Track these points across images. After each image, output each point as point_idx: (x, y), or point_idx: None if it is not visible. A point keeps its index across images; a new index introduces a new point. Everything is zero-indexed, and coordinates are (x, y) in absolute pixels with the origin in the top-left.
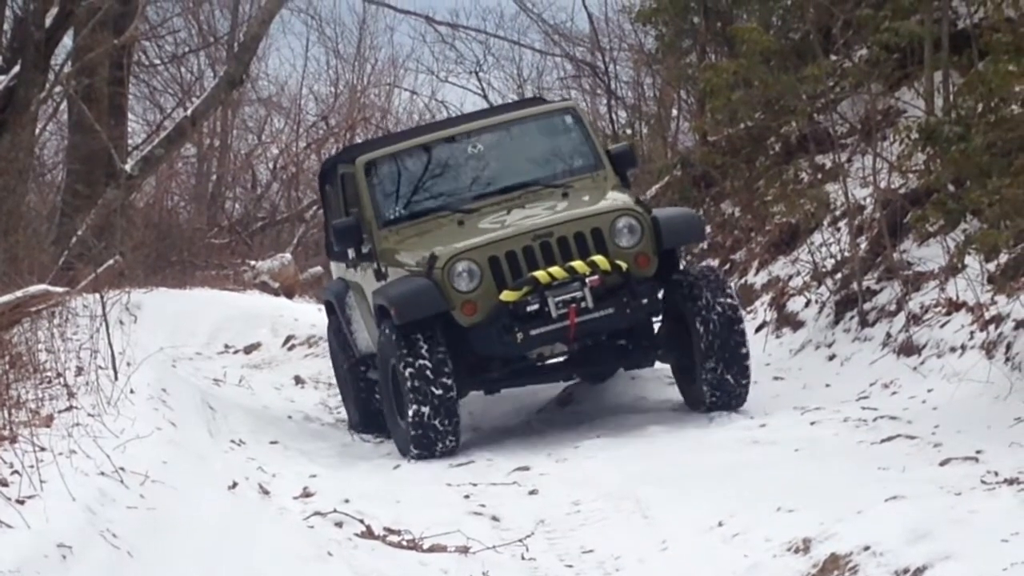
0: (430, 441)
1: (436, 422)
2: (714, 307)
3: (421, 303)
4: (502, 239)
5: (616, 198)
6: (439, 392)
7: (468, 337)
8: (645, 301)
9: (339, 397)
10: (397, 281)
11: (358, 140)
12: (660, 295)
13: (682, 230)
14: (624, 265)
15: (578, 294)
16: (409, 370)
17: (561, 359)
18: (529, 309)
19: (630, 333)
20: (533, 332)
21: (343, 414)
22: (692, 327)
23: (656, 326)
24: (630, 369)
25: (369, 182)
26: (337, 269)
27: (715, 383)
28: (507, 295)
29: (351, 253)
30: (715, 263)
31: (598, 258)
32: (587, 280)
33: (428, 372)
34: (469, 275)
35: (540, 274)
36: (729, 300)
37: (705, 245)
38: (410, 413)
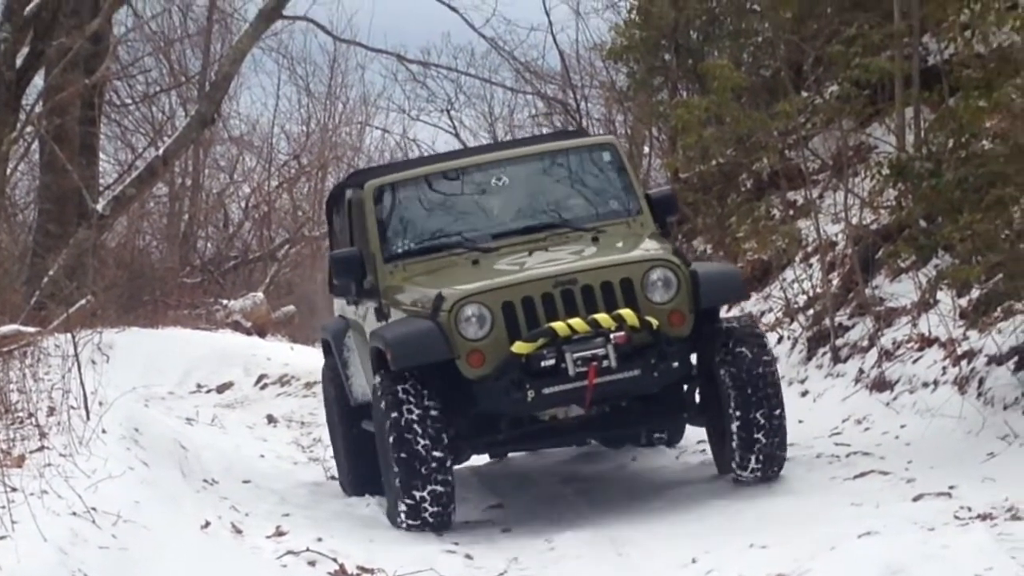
0: (418, 512)
1: (425, 492)
2: (747, 366)
3: (421, 349)
4: (519, 283)
5: (652, 247)
6: (429, 457)
7: (473, 391)
8: (676, 365)
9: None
10: (397, 322)
11: (330, 179)
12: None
13: (723, 287)
14: (655, 323)
15: (600, 351)
16: (396, 428)
17: (577, 420)
18: (544, 364)
19: (657, 393)
20: (546, 391)
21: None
22: (722, 388)
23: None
24: (655, 433)
25: (377, 210)
26: (338, 306)
27: (746, 451)
28: (520, 347)
29: (352, 288)
30: None
31: (626, 312)
32: (612, 336)
33: (417, 432)
34: (479, 321)
35: (559, 325)
36: (765, 358)
37: None
38: (396, 480)
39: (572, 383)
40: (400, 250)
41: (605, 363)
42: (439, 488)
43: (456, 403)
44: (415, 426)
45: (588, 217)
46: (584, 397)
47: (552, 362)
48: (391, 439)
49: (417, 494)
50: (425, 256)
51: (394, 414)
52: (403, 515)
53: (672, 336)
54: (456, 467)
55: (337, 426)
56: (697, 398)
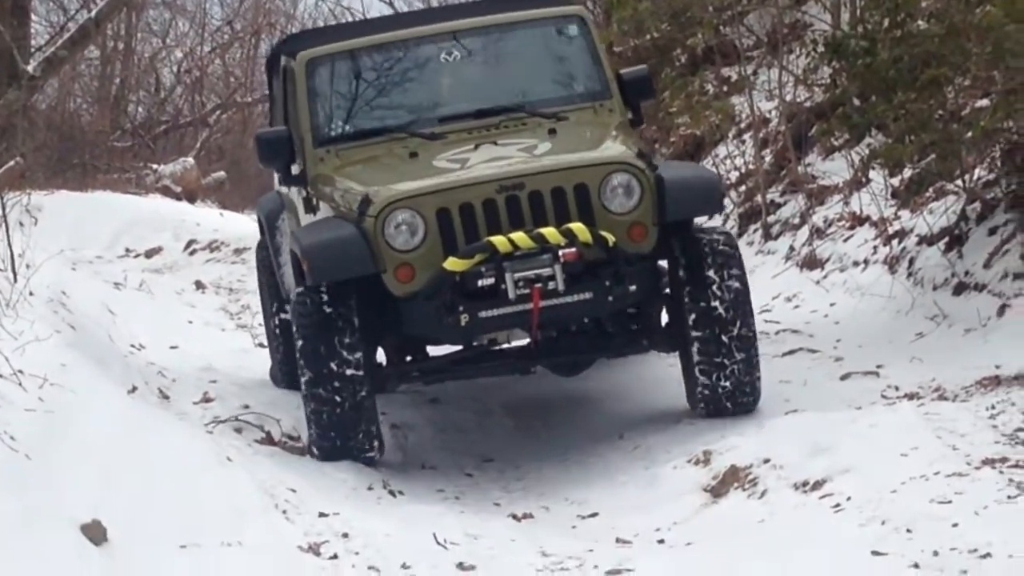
0: (335, 447)
1: (342, 424)
2: (714, 293)
3: (342, 260)
4: (458, 186)
5: (615, 144)
6: (346, 386)
7: (400, 311)
8: (634, 288)
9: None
10: (319, 224)
11: (263, 46)
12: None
13: (694, 197)
14: (611, 238)
15: (546, 271)
16: (309, 356)
17: (522, 344)
18: (481, 284)
19: (616, 314)
20: (483, 314)
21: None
22: (685, 316)
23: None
24: (613, 358)
25: (310, 85)
26: (277, 180)
27: (712, 386)
28: (453, 263)
29: (280, 174)
30: None
31: (576, 226)
32: (560, 253)
33: (333, 358)
34: (409, 229)
35: (499, 240)
36: (737, 285)
37: None
38: (308, 409)
39: (512, 306)
40: (334, 133)
41: (551, 285)
42: (358, 425)
43: (383, 323)
44: (332, 355)
45: (549, 100)
46: (527, 322)
47: (491, 282)
48: (303, 366)
49: (332, 432)
50: (361, 141)
51: (308, 339)
52: (316, 449)
53: (631, 253)
54: None
55: (269, 314)
56: (665, 320)
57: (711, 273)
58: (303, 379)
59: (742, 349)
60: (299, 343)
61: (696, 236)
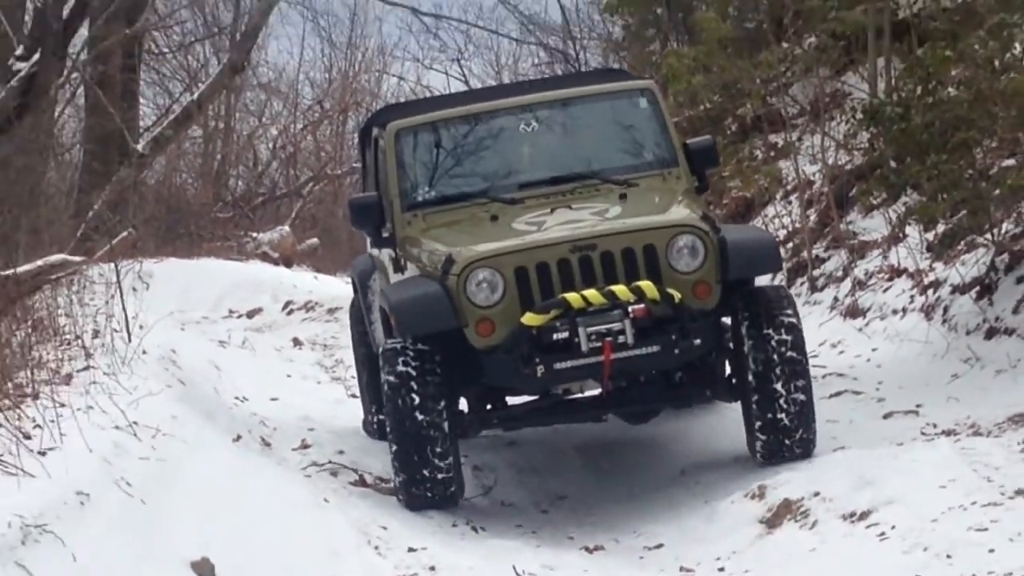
0: (418, 492)
1: (425, 471)
2: (770, 348)
3: (428, 316)
4: (534, 247)
5: (680, 209)
6: (437, 488)
7: (481, 363)
8: (698, 342)
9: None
10: (405, 283)
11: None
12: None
13: (754, 258)
14: (677, 295)
15: (616, 325)
16: (396, 405)
17: (595, 393)
18: (556, 337)
19: (681, 366)
20: (558, 366)
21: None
22: (744, 369)
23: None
24: (680, 408)
25: (399, 154)
26: (369, 243)
27: (769, 434)
28: (530, 318)
29: (371, 237)
30: None
31: (645, 284)
32: (630, 309)
33: (419, 411)
34: (490, 287)
35: (572, 297)
36: (803, 397)
37: None
38: (393, 455)
39: (585, 359)
40: (420, 198)
41: (621, 339)
42: (440, 472)
43: (465, 374)
44: (416, 406)
45: (621, 168)
46: (598, 373)
47: (565, 335)
48: (390, 415)
49: (416, 476)
50: (446, 206)
51: (395, 388)
52: (402, 494)
53: (696, 309)
54: None
55: (361, 369)
56: (728, 370)
57: (779, 386)
58: (397, 479)
59: (796, 403)
60: (393, 448)
61: (756, 295)
